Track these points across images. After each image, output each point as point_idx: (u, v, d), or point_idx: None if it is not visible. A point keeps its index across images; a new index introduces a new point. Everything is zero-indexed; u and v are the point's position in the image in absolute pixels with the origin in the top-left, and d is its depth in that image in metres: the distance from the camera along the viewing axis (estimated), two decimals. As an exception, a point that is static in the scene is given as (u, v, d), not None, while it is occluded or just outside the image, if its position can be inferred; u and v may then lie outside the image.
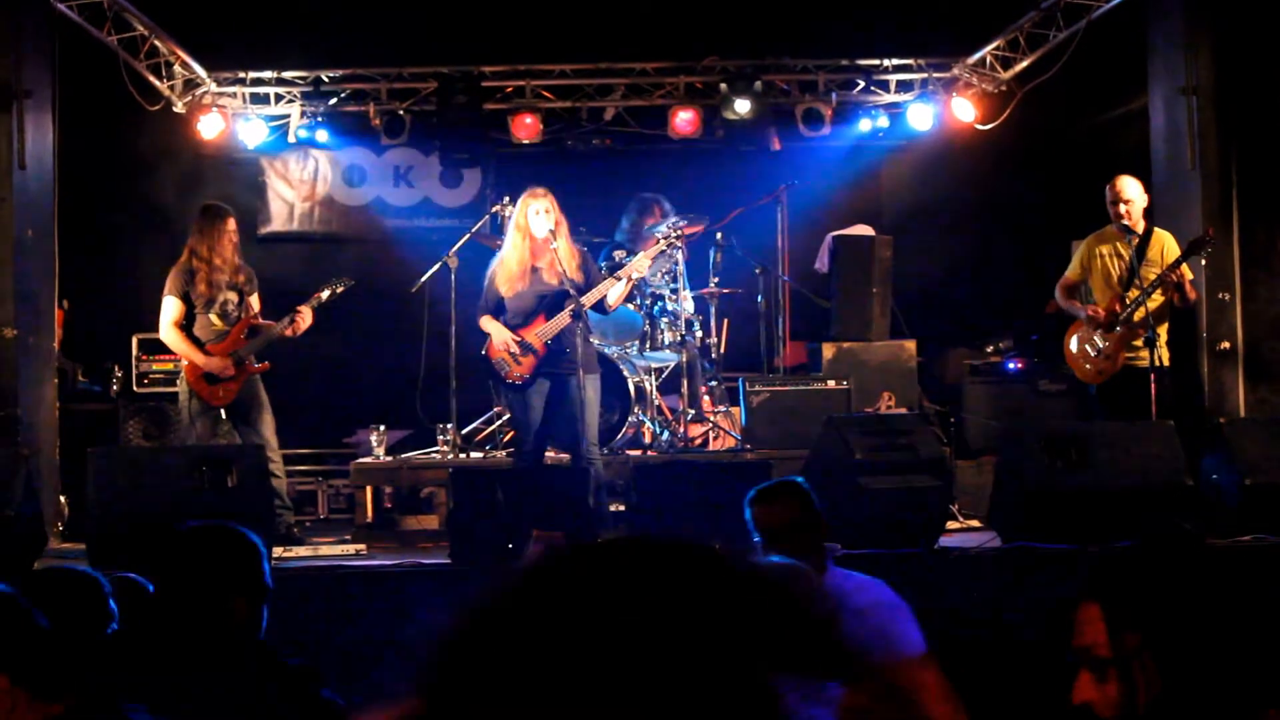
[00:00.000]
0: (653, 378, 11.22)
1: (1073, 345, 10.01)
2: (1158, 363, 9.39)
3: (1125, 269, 9.74)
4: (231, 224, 10.03)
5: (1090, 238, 10.05)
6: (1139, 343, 9.58)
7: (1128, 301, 9.58)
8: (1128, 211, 9.75)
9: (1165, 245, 9.75)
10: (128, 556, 7.71)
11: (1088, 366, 9.88)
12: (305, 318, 9.91)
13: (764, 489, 5.54)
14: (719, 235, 11.85)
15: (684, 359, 11.27)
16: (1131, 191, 9.81)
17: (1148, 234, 9.80)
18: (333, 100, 13.16)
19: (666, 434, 11.12)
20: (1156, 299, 9.64)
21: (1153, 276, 9.60)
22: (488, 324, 9.42)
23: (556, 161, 13.80)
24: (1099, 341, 9.76)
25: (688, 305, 11.46)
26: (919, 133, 13.56)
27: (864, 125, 13.52)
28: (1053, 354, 12.36)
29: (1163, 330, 9.75)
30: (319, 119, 13.16)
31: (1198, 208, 10.27)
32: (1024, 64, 12.61)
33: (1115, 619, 2.80)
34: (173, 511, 7.82)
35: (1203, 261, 9.76)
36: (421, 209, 14.66)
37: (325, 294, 10.03)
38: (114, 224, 13.61)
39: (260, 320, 9.98)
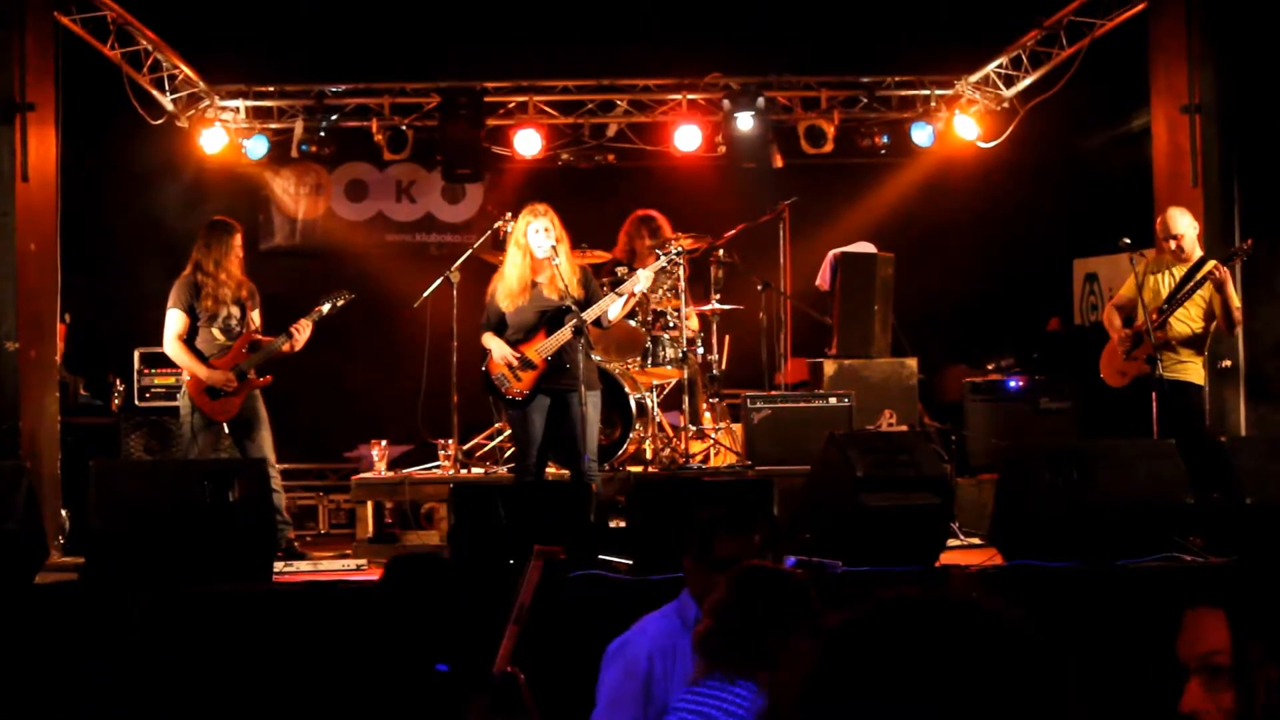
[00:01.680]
0: (654, 394, 11.21)
1: (1107, 352, 10.06)
2: (1159, 375, 9.42)
3: (1172, 286, 9.78)
4: (239, 240, 10.06)
5: (1150, 259, 10.02)
6: (1173, 354, 9.64)
7: (1163, 309, 9.63)
8: (1179, 245, 9.82)
9: None
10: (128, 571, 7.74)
11: (1114, 369, 9.93)
12: (303, 331, 9.90)
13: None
14: (721, 252, 11.85)
15: (686, 375, 11.26)
16: (1179, 225, 9.86)
17: (1201, 261, 9.82)
18: (335, 115, 13.17)
19: (668, 450, 11.11)
20: (1196, 323, 9.68)
21: (1196, 297, 9.65)
22: (488, 340, 9.42)
23: (559, 177, 13.80)
24: (1129, 347, 9.83)
25: (690, 322, 11.46)
26: (921, 150, 13.57)
27: (866, 142, 13.52)
28: (1053, 372, 12.38)
29: (1195, 356, 9.78)
30: (321, 133, 13.16)
31: (1200, 226, 10.26)
32: (1027, 82, 12.62)
33: (1240, 627, 2.79)
34: (174, 526, 7.82)
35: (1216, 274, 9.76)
36: (423, 224, 14.68)
37: (325, 308, 10.03)
38: (116, 238, 13.60)
39: (261, 335, 9.98)
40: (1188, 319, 9.74)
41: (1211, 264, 9.65)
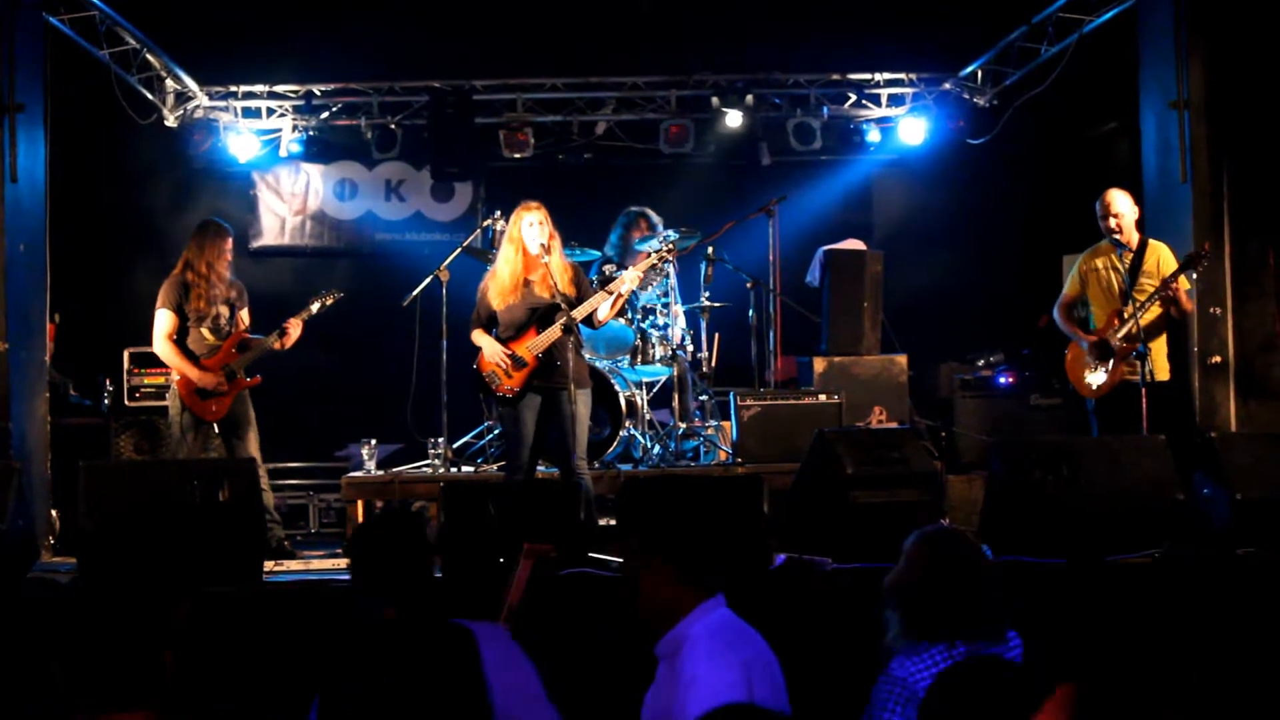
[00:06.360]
0: (644, 392, 11.21)
1: (1072, 360, 10.02)
2: (1149, 378, 9.38)
3: (1122, 282, 9.73)
4: (230, 243, 10.06)
5: (1085, 253, 10.05)
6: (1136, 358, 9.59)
7: (1125, 316, 9.57)
8: (1118, 225, 9.75)
9: (1161, 257, 9.74)
10: (119, 571, 7.73)
11: (1086, 381, 9.88)
12: (294, 330, 9.91)
13: None
14: (710, 250, 11.85)
15: (675, 373, 11.27)
16: (1121, 205, 9.82)
17: (1142, 246, 9.80)
18: (324, 114, 13.17)
19: (657, 448, 11.11)
20: (1154, 312, 9.63)
21: (1149, 289, 9.59)
22: (479, 337, 9.40)
23: (548, 176, 13.81)
24: (1096, 357, 9.77)
25: (679, 319, 11.46)
26: (910, 147, 13.59)
27: (855, 140, 13.52)
28: (1043, 368, 12.39)
29: (1161, 344, 9.75)
30: (310, 133, 13.16)
31: (1189, 222, 10.26)
32: (1015, 78, 12.63)
33: None
34: (165, 525, 7.80)
35: (1194, 275, 9.73)
36: (413, 223, 14.67)
37: (315, 307, 10.04)
38: (106, 238, 13.59)
39: (250, 335, 9.98)
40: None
41: (1156, 261, 9.64)
